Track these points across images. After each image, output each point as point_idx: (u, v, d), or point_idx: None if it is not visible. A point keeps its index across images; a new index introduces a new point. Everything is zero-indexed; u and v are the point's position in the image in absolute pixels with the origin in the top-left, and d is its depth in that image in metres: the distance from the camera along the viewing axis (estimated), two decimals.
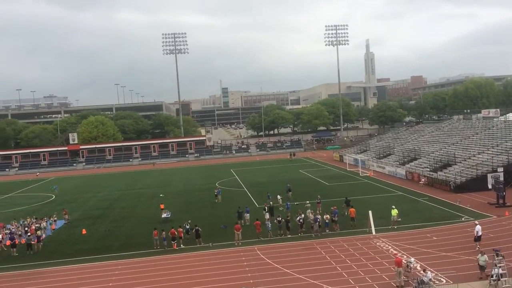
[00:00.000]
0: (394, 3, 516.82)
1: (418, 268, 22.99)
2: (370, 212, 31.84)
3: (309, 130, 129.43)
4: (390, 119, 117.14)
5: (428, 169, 52.12)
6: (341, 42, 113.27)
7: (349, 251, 27.46)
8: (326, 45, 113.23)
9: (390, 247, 27.59)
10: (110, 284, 24.56)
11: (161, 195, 52.35)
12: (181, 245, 30.41)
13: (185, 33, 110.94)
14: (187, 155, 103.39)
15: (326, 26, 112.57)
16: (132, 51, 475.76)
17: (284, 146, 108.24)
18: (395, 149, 69.05)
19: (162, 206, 41.74)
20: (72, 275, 26.55)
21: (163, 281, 24.49)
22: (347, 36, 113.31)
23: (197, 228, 31.11)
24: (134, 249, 30.79)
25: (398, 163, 60.58)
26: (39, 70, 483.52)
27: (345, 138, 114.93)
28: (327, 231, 31.65)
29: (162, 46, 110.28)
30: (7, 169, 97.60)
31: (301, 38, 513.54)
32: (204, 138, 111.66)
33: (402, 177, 54.66)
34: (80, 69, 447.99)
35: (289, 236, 31.26)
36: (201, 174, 73.80)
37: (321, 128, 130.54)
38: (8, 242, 32.58)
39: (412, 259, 23.71)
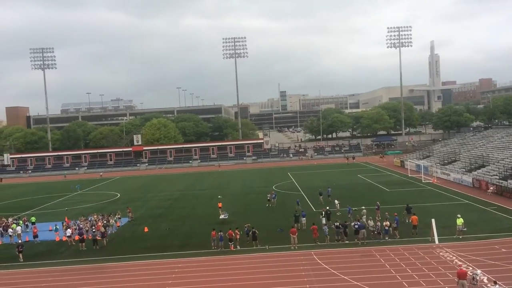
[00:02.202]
0: (466, 2, 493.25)
1: (485, 281, 21.72)
2: (433, 220, 30.49)
3: (369, 134, 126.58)
4: (456, 124, 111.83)
5: (497, 177, 49.15)
6: (403, 44, 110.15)
7: (410, 260, 26.48)
8: (388, 47, 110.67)
9: (454, 257, 26.29)
10: (170, 281, 25.32)
11: (219, 196, 53.32)
12: (238, 247, 30.76)
13: (244, 37, 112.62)
14: (244, 158, 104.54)
15: (388, 28, 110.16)
16: (194, 56, 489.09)
17: (342, 150, 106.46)
18: (461, 155, 65.79)
19: (220, 205, 43.55)
20: (135, 271, 27.68)
21: (220, 281, 24.87)
22: (410, 38, 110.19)
23: (254, 230, 31.33)
24: (193, 249, 31.56)
25: (464, 170, 57.65)
26: (108, 74, 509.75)
27: (406, 143, 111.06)
28: (386, 238, 30.74)
29: (222, 51, 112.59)
30: (77, 168, 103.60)
31: (362, 40, 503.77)
32: (261, 141, 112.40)
33: (468, 185, 51.94)
34: (146, 74, 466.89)
35: (346, 242, 30.68)
36: (258, 177, 74.31)
37: (381, 132, 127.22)
38: (76, 237, 34.55)
39: (479, 271, 22.44)
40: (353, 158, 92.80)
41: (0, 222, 40.13)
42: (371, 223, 31.73)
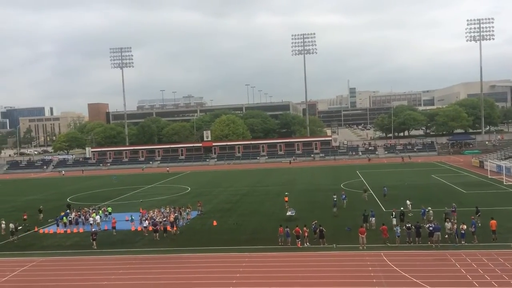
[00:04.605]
0: None
1: None
2: None
3: (444, 132, 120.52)
4: None
5: None
6: (485, 37, 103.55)
7: (489, 266, 24.84)
8: (467, 40, 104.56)
9: None
10: (238, 275, 25.77)
11: (286, 193, 53.36)
12: (305, 244, 30.60)
13: (314, 34, 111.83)
14: (312, 155, 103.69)
15: (468, 20, 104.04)
16: (264, 53, 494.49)
17: (415, 149, 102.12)
18: None
19: (286, 199, 44.91)
20: (204, 262, 28.52)
21: (287, 277, 24.90)
22: (493, 31, 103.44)
23: (321, 228, 31.00)
24: (260, 244, 31.88)
25: None
26: (181, 72, 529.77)
27: (486, 143, 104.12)
28: (463, 242, 29.06)
29: (291, 47, 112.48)
30: (151, 162, 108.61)
31: (439, 34, 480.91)
32: (329, 138, 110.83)
33: None
34: (217, 71, 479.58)
35: (419, 244, 29.40)
36: (326, 174, 73.42)
37: (458, 130, 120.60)
38: (150, 228, 36.23)
39: None
40: (409, 157, 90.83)
41: (82, 212, 43.10)
42: (448, 225, 30.04)
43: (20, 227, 38.42)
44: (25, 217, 43.11)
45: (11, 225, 37.08)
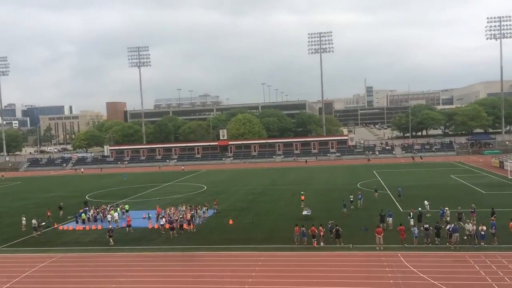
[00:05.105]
0: None
1: None
2: None
3: (463, 132, 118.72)
4: None
5: None
6: (505, 35, 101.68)
7: (509, 268, 24.42)
8: (487, 38, 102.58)
9: None
10: (253, 273, 25.81)
11: (302, 192, 53.21)
12: (321, 244, 30.48)
13: (330, 32, 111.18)
14: (328, 154, 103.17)
15: (488, 18, 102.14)
16: (281, 52, 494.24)
17: (433, 149, 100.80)
18: None
19: (302, 198, 44.93)
20: (219, 261, 28.64)
21: (302, 277, 24.84)
22: None
23: (337, 228, 30.84)
24: (276, 243, 31.87)
25: None
26: (198, 71, 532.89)
27: (506, 143, 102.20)
28: (482, 244, 28.59)
29: (308, 46, 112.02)
30: (167, 160, 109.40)
31: (458, 32, 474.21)
32: (346, 137, 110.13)
33: None
34: (233, 70, 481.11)
35: (437, 245, 29.03)
36: (342, 173, 72.99)
37: (478, 130, 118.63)
38: (167, 226, 36.53)
39: None
40: (421, 157, 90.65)
41: (100, 209, 43.68)
42: (469, 226, 29.51)
43: (43, 223, 39.11)
44: (48, 214, 43.85)
45: (34, 221, 37.80)
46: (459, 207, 35.98)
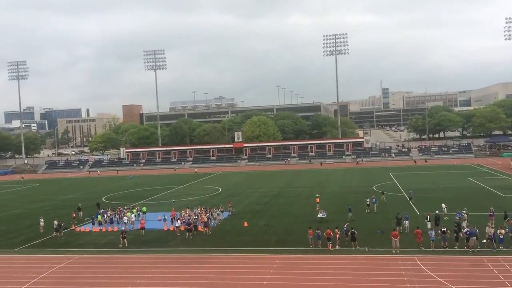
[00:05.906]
0: None
1: None
2: None
3: (482, 134, 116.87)
4: None
5: None
6: None
7: None
8: (506, 39, 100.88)
9: None
10: (268, 276, 25.77)
11: (317, 195, 53.00)
12: (337, 247, 30.30)
13: (346, 34, 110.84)
14: (343, 157, 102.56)
15: (506, 19, 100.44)
16: (296, 54, 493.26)
17: (450, 151, 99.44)
18: None
19: (317, 200, 45.07)
20: (235, 263, 28.68)
21: (318, 280, 24.71)
22: None
23: (353, 231, 30.63)
24: (290, 245, 31.77)
25: None
26: (213, 73, 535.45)
27: None
28: (501, 247, 28.09)
29: (323, 48, 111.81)
30: (183, 162, 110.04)
31: (476, 33, 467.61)
32: (361, 139, 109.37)
33: None
34: (248, 72, 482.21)
35: (455, 248, 28.59)
36: (357, 176, 72.47)
37: (496, 132, 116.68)
38: (182, 227, 36.71)
39: None
40: (426, 161, 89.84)
41: (116, 211, 44.13)
42: (490, 230, 28.94)
43: (63, 224, 39.65)
44: (74, 215, 44.32)
45: (55, 222, 38.41)
46: (466, 209, 35.39)
